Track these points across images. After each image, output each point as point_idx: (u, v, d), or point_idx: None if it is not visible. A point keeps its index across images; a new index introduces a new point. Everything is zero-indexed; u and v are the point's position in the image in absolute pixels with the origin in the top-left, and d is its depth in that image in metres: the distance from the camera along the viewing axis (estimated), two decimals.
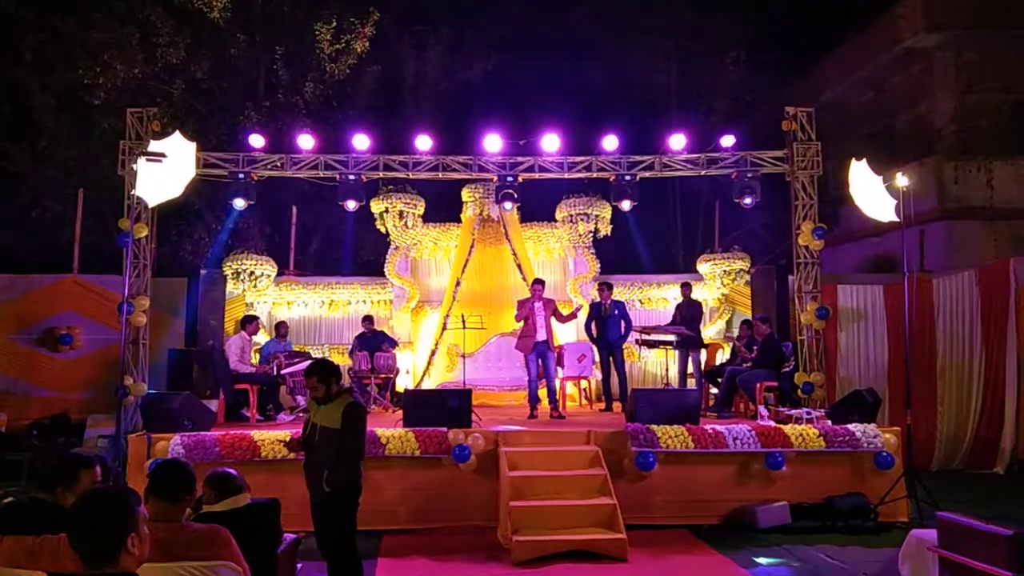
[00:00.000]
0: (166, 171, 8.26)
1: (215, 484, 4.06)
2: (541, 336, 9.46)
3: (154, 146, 8.33)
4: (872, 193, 8.93)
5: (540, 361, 9.51)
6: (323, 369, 5.01)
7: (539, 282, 9.89)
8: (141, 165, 7.99)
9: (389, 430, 7.62)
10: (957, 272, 10.89)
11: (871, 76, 16.55)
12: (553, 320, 9.68)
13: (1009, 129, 14.64)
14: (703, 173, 10.50)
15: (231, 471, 4.41)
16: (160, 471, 3.44)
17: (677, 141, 10.27)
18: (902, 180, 8.41)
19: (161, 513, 3.17)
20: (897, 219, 8.67)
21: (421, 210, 12.55)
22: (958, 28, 14.53)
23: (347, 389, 5.14)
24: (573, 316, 10.13)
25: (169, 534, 3.04)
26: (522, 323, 9.56)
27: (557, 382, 9.90)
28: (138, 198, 8.87)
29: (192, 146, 9.19)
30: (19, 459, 9.42)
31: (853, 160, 9.19)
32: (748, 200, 10.18)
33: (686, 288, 11.10)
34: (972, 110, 14.80)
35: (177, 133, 9.10)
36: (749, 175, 10.13)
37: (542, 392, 9.76)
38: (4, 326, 10.78)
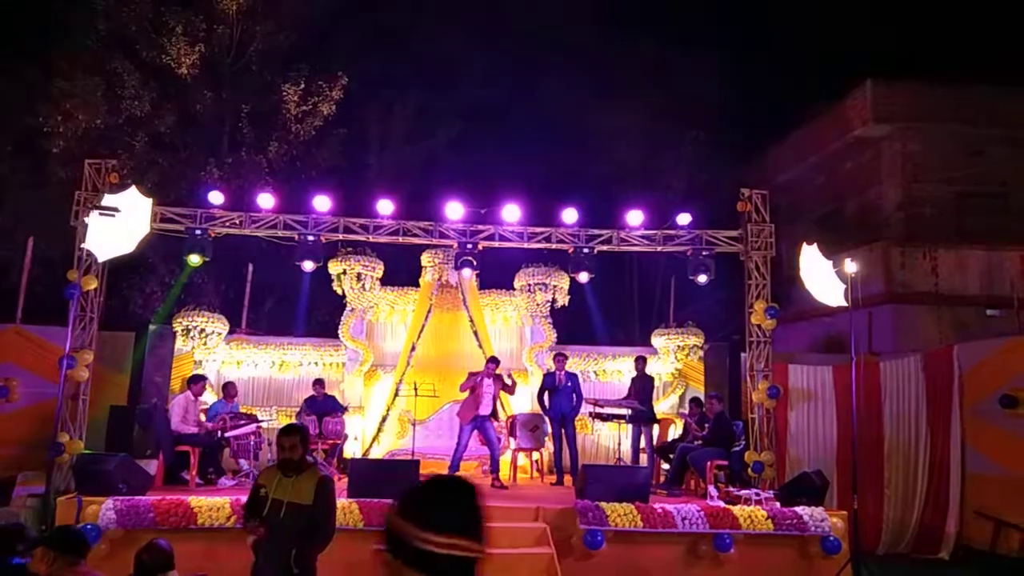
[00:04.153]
0: (119, 226, 8.15)
1: (141, 560, 3.91)
2: (485, 411, 9.52)
3: (109, 200, 8.22)
4: (822, 278, 9.15)
5: (478, 432, 9.58)
6: (304, 431, 4.74)
7: (494, 361, 9.99)
8: (93, 218, 7.87)
9: None
10: (903, 356, 11.11)
11: (823, 161, 17.14)
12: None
13: (952, 218, 15.20)
14: (659, 249, 10.65)
15: (162, 544, 4.26)
16: (60, 529, 3.44)
17: (635, 217, 10.46)
18: (851, 266, 8.66)
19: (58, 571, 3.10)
20: (846, 304, 8.88)
21: (380, 273, 12.50)
22: (904, 120, 15.19)
23: (312, 462, 4.91)
24: (510, 390, 10.03)
25: None
26: (467, 393, 9.55)
27: (509, 453, 9.76)
28: (88, 251, 8.70)
29: (148, 202, 9.08)
30: None
31: (804, 245, 9.43)
32: (703, 278, 10.33)
33: (640, 362, 11.14)
34: (917, 199, 15.35)
35: (133, 188, 8.99)
36: (704, 253, 10.31)
37: (468, 465, 9.79)
38: None
